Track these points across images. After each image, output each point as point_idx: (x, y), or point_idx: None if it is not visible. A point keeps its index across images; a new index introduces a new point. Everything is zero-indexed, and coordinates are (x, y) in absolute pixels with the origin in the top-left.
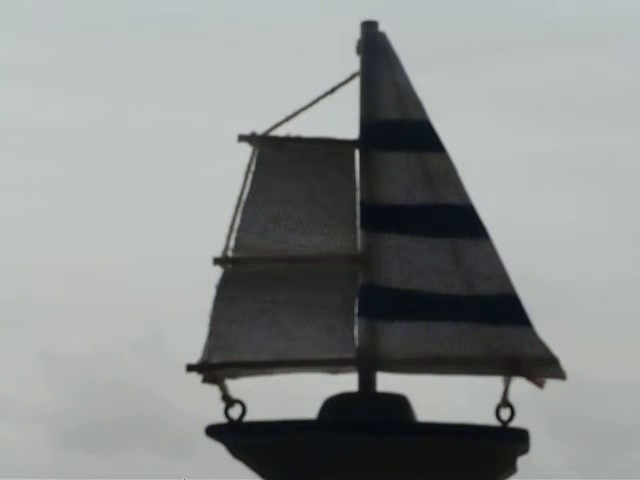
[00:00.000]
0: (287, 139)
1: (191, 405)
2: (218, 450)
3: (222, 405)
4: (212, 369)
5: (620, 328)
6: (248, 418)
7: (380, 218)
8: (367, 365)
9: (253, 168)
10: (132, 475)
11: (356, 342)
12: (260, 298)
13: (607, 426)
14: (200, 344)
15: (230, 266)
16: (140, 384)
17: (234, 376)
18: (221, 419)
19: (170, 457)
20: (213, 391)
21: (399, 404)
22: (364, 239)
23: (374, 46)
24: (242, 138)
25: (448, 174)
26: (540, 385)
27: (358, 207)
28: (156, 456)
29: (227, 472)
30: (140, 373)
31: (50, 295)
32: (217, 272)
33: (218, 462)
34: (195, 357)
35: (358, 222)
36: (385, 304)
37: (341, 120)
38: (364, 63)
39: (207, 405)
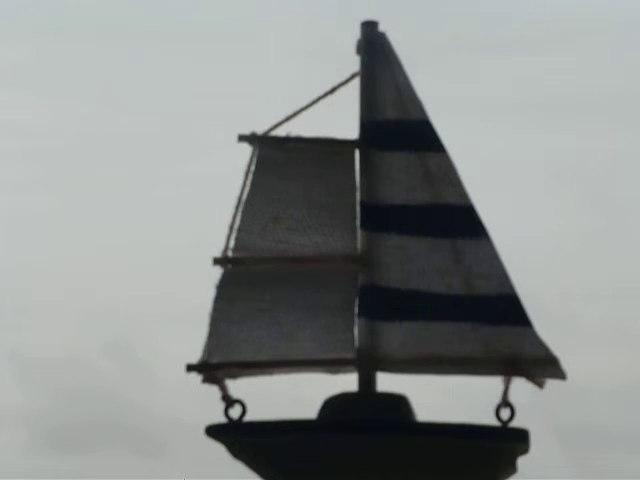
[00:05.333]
0: (287, 139)
1: (165, 406)
2: (192, 450)
3: (222, 405)
4: (212, 369)
5: (587, 329)
6: (248, 418)
7: (380, 218)
8: (367, 365)
9: (253, 168)
10: (108, 476)
11: (356, 342)
12: (260, 298)
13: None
14: (171, 346)
15: (230, 266)
16: (112, 386)
17: (234, 376)
18: (196, 420)
19: (145, 457)
20: (190, 392)
21: (399, 404)
22: (364, 239)
23: (374, 46)
24: (242, 138)
25: (448, 174)
26: (540, 385)
27: (358, 207)
28: (131, 457)
29: (203, 472)
30: (112, 375)
31: (21, 296)
32: (217, 272)
33: (193, 462)
34: (168, 358)
35: (358, 222)
36: (385, 304)
37: (341, 120)
38: (364, 63)
39: (184, 405)
